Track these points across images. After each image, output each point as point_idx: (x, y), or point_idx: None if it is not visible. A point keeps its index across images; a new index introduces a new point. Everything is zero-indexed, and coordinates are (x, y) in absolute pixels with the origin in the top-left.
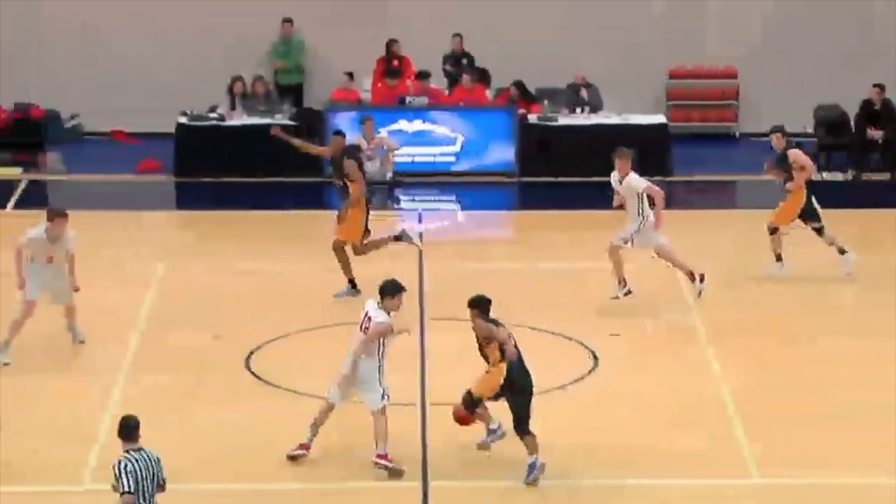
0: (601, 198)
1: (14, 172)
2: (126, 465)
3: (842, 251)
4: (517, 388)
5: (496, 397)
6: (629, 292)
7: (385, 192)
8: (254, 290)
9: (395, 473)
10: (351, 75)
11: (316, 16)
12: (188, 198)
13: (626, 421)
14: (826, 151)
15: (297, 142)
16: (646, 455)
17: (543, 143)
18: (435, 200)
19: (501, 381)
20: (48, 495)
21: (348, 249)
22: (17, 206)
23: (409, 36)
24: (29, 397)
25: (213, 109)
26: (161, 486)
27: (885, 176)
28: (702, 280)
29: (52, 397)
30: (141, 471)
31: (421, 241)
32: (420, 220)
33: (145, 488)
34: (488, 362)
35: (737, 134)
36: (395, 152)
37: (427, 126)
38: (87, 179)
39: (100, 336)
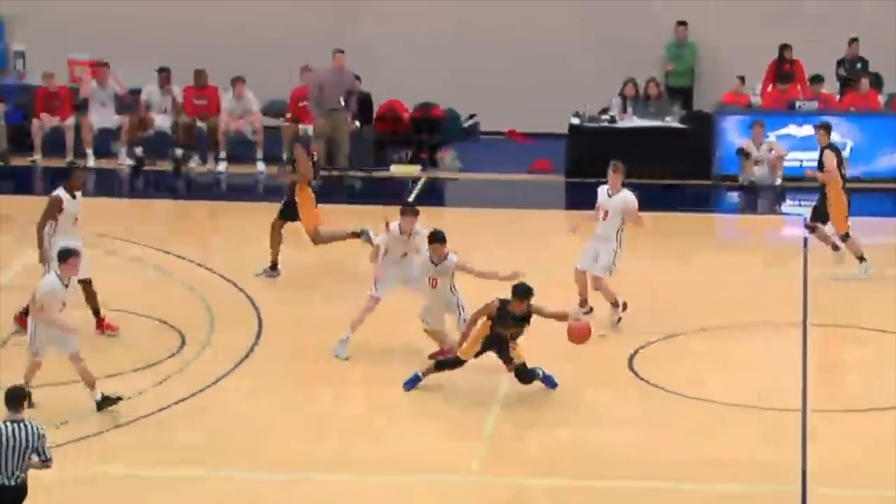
0: None
1: (413, 170)
2: None
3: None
4: None
5: None
6: (591, 311)
7: (773, 196)
8: (641, 290)
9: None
10: (742, 79)
11: (710, 19)
12: (578, 198)
13: None
14: None
15: (290, 177)
16: None
17: None
18: None
19: None
20: None
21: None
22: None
23: (800, 38)
24: None
25: (604, 111)
26: (44, 462)
27: None
28: (624, 308)
29: None
30: (4, 441)
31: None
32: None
33: (7, 458)
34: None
35: None
36: (784, 157)
37: None
38: (481, 178)
39: None
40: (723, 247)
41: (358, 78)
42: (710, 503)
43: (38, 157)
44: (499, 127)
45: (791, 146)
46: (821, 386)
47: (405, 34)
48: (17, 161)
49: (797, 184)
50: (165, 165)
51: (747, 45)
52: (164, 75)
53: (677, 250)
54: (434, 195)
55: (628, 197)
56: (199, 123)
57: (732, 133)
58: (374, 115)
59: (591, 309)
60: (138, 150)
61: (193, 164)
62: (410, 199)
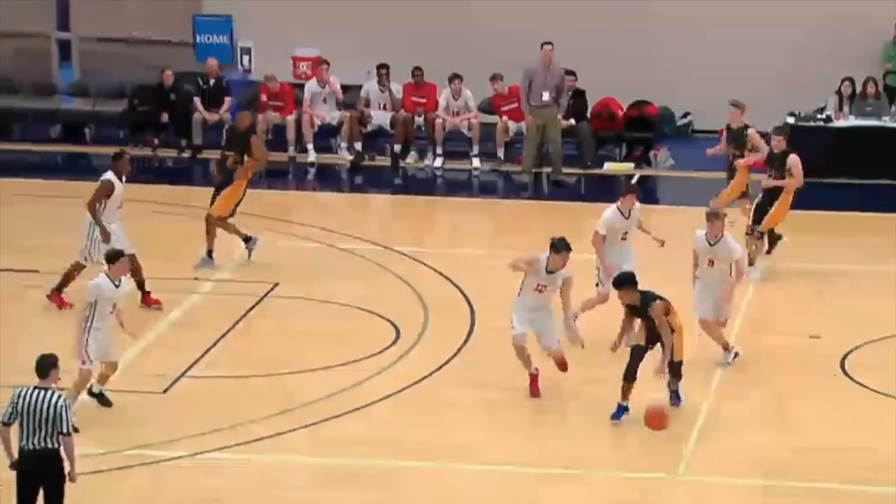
0: None
1: (626, 167)
2: (12, 396)
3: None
4: None
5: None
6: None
7: None
8: (847, 292)
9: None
10: None
11: None
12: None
13: None
14: None
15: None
16: None
17: None
18: None
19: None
20: None
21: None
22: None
23: None
24: None
25: (820, 111)
26: (62, 434)
27: None
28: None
29: None
30: (26, 405)
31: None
32: None
33: (28, 423)
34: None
35: None
36: None
37: None
38: (693, 176)
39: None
40: None
41: (573, 74)
42: None
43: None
44: (712, 125)
45: None
46: None
47: (621, 31)
48: None
49: None
50: (383, 160)
51: None
52: (384, 72)
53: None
54: (647, 193)
55: (734, 247)
56: (417, 119)
57: None
58: (590, 113)
59: (737, 354)
60: (357, 146)
61: (411, 159)
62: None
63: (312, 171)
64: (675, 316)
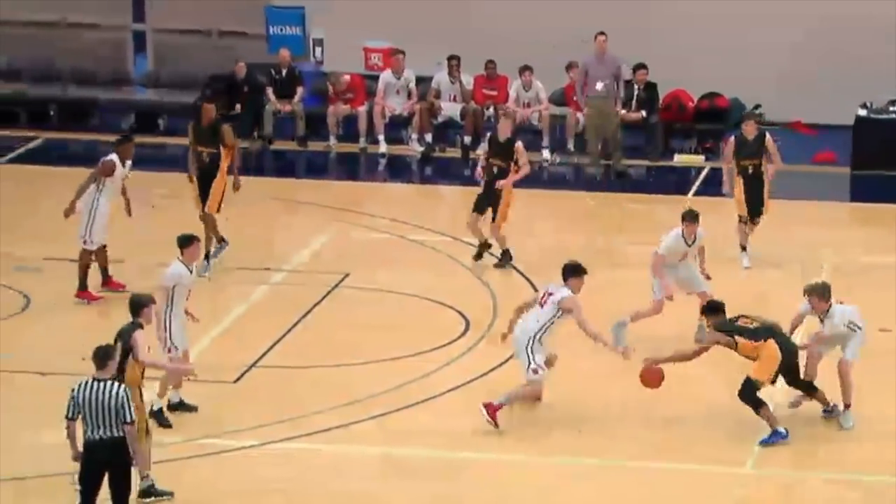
0: None
1: (697, 160)
2: (72, 391)
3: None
4: None
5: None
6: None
7: None
8: None
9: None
10: None
11: None
12: (863, 191)
13: None
14: None
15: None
16: None
17: None
18: None
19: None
20: None
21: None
22: (697, 193)
23: None
24: None
25: (893, 103)
26: (125, 423)
27: None
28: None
29: None
30: (87, 398)
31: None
32: None
33: (91, 415)
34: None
35: None
36: None
37: None
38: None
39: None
40: None
41: (644, 67)
42: None
43: (332, 142)
44: (783, 117)
45: None
46: None
47: (691, 23)
48: (314, 146)
49: None
50: (454, 152)
51: None
52: (454, 63)
53: None
54: (717, 185)
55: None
56: (487, 111)
57: None
58: (660, 105)
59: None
60: (428, 137)
61: (481, 150)
62: (690, 194)
63: (383, 161)
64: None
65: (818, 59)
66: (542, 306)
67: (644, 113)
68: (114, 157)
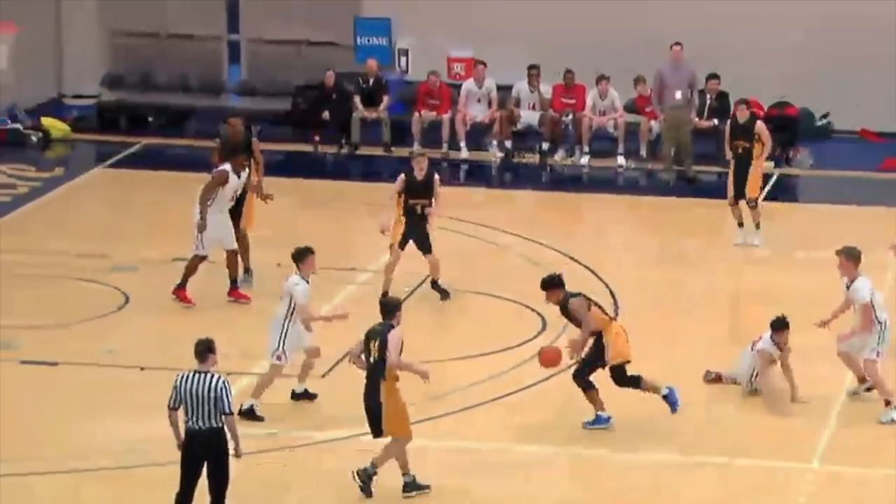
0: None
1: (766, 166)
2: (174, 381)
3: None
4: None
5: None
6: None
7: None
8: None
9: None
10: None
11: None
12: None
13: None
14: None
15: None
16: None
17: None
18: None
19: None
20: None
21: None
22: (767, 198)
23: None
24: None
25: None
26: (225, 414)
27: None
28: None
29: None
30: (188, 389)
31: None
32: None
33: (192, 405)
34: None
35: None
36: None
37: None
38: (831, 175)
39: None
40: None
41: (717, 77)
42: None
43: (416, 148)
44: (852, 126)
45: None
46: None
47: (761, 32)
48: (398, 151)
49: None
50: (532, 158)
51: None
52: (534, 73)
53: None
54: (786, 191)
55: (862, 287)
56: (565, 119)
57: None
58: (730, 113)
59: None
60: (508, 143)
61: (558, 156)
62: (760, 199)
63: (464, 167)
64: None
65: (886, 68)
66: None
67: (716, 121)
68: (228, 166)
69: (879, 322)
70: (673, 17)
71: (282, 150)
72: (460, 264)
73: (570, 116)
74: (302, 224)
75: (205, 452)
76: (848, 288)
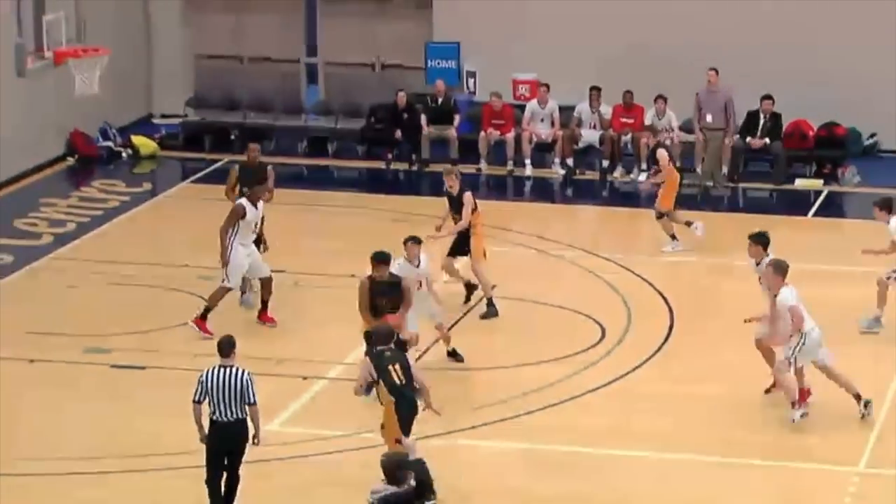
0: None
1: (816, 184)
2: (200, 377)
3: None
4: None
5: None
6: None
7: None
8: None
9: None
10: None
11: None
12: None
13: None
14: None
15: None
16: None
17: None
18: None
19: None
20: None
21: None
22: (816, 214)
23: None
24: None
25: None
26: (249, 405)
27: None
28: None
29: None
30: (214, 383)
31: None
32: None
33: (218, 398)
34: None
35: None
36: None
37: None
38: (878, 192)
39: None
40: None
41: (770, 98)
42: None
43: (483, 165)
44: None
45: None
46: None
47: (811, 55)
48: (465, 168)
49: None
50: (593, 175)
51: None
52: (595, 94)
53: None
54: (834, 208)
55: (787, 296)
56: (624, 137)
57: None
58: (783, 133)
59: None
60: (569, 161)
61: (618, 173)
62: (810, 215)
63: (529, 183)
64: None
65: None
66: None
67: (768, 140)
68: (244, 200)
69: (802, 333)
70: (730, 43)
71: (356, 167)
72: (524, 276)
73: (629, 135)
74: (374, 237)
75: (230, 440)
76: (775, 297)
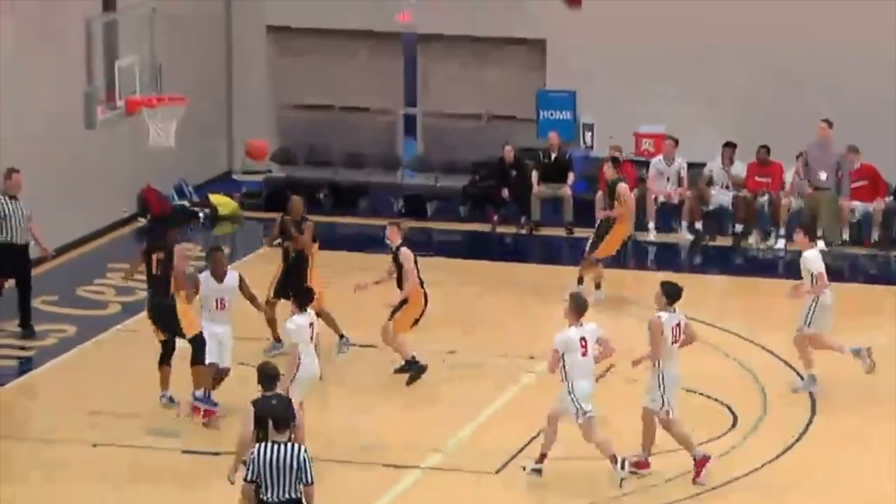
0: None
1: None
2: (251, 454)
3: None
4: None
5: None
6: None
7: None
8: None
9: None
10: None
11: None
12: None
13: None
14: None
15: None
16: None
17: None
18: None
19: None
20: None
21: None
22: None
23: None
24: None
25: None
26: (305, 485)
27: None
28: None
29: None
30: (267, 461)
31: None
32: None
33: (272, 477)
34: None
35: None
36: None
37: None
38: None
39: None
40: None
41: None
42: None
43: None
44: None
45: None
46: None
47: None
48: (580, 232)
49: None
50: (724, 240)
51: None
52: (728, 150)
53: None
54: None
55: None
56: (760, 199)
57: None
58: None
59: None
60: (698, 225)
61: (752, 240)
62: None
63: (652, 249)
64: None
65: None
66: None
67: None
68: (204, 275)
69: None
70: (849, 100)
71: (458, 230)
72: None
73: (766, 196)
74: (478, 309)
75: None
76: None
